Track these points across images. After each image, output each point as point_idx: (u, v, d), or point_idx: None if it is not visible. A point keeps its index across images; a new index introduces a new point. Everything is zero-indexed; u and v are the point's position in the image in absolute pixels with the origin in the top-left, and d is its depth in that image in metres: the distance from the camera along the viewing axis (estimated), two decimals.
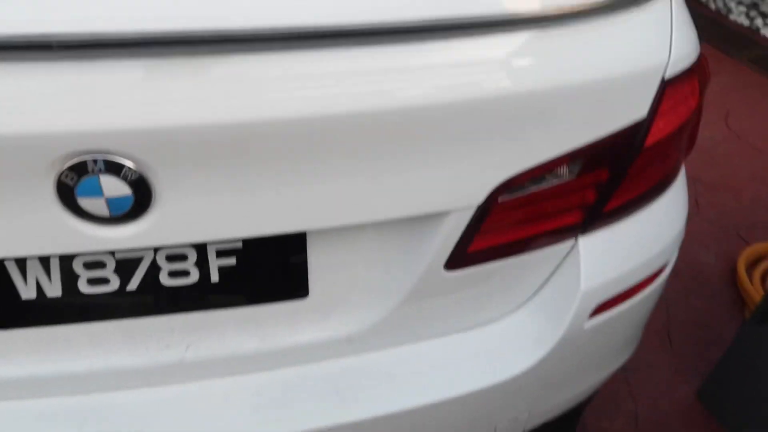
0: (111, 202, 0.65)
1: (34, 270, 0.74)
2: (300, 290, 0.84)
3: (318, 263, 0.83)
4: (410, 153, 0.72)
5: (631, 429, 1.75)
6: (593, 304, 0.94)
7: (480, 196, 0.79)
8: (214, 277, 0.80)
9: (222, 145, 0.65)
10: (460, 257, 0.85)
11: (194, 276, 0.79)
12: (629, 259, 0.97)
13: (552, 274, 0.96)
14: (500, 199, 0.81)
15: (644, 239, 0.99)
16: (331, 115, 0.66)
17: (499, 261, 0.89)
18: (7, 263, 0.72)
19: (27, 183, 0.63)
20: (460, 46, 0.70)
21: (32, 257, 0.73)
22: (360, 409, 0.88)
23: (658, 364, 1.93)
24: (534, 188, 0.83)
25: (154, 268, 0.77)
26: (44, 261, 0.74)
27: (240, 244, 0.79)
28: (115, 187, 0.64)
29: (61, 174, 0.62)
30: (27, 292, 0.75)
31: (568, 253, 0.94)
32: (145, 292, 0.78)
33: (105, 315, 0.79)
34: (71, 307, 0.77)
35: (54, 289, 0.76)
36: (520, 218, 0.85)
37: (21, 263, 0.73)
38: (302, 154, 0.69)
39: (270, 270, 0.82)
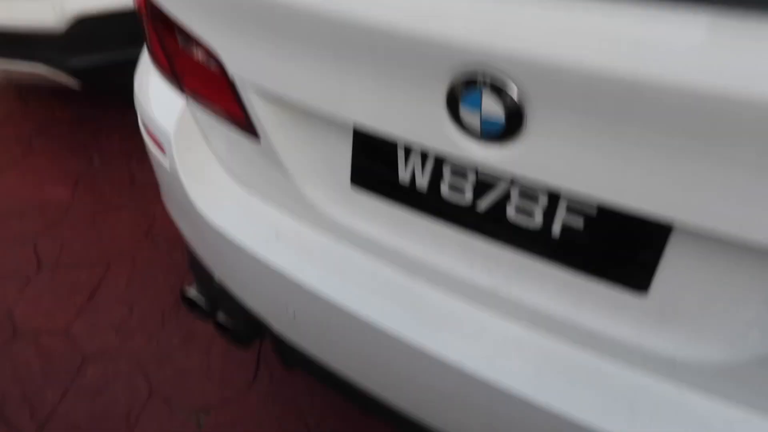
0: (485, 121, 0.67)
1: (414, 159, 0.84)
2: (639, 285, 0.74)
3: (672, 265, 0.70)
4: None
5: None
6: None
7: None
8: (555, 231, 0.76)
9: (613, 101, 0.59)
10: None
11: (537, 221, 0.77)
12: None
13: None
14: None
15: None
16: None
17: None
18: (398, 144, 0.84)
19: (428, 80, 0.70)
20: None
21: (416, 147, 0.82)
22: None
23: None
24: None
25: (504, 199, 0.78)
26: (423, 156, 0.83)
27: (594, 211, 0.72)
28: (493, 108, 0.66)
29: (454, 80, 0.67)
30: (403, 175, 0.86)
31: None
32: (490, 218, 0.81)
33: (451, 221, 0.85)
34: (428, 202, 0.86)
35: (422, 182, 0.85)
36: None
37: (407, 151, 0.84)
38: (712, 138, 0.56)
39: (615, 250, 0.74)
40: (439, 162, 0.82)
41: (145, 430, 1.69)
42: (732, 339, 0.71)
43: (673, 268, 0.71)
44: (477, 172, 0.79)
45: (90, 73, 2.39)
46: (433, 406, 0.97)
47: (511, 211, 0.79)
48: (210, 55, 0.94)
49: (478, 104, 0.66)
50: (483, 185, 0.79)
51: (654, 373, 0.78)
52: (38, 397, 1.79)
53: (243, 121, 0.98)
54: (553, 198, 0.75)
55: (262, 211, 1.09)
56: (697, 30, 0.55)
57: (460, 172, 0.80)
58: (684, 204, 0.62)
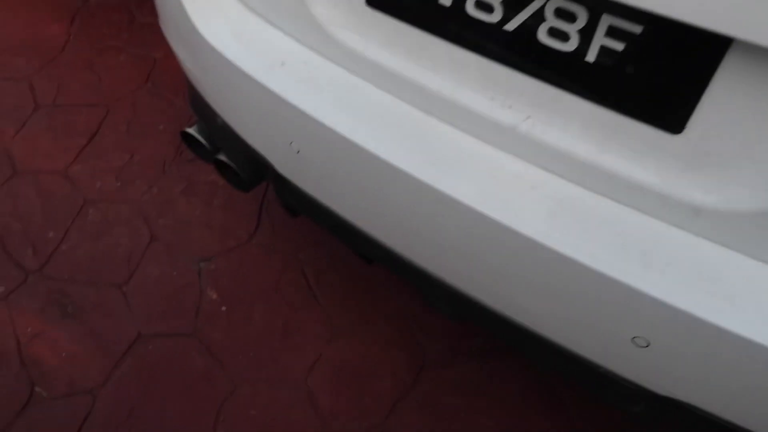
0: None
1: None
2: (674, 123, 0.67)
3: (720, 94, 0.63)
4: None
5: None
6: None
7: None
8: (591, 55, 0.68)
9: None
10: None
11: (572, 44, 0.69)
12: None
13: None
14: None
15: None
16: None
17: None
18: None
19: None
20: None
21: None
22: (662, 288, 0.72)
23: None
24: None
25: (537, 17, 0.70)
26: None
27: (639, 29, 0.64)
28: None
29: None
30: None
31: None
32: (518, 39, 0.73)
33: (474, 45, 0.77)
34: (451, 20, 0.77)
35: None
36: None
37: None
38: None
39: (655, 78, 0.66)
40: None
41: (146, 273, 1.71)
42: (765, 185, 0.66)
43: (716, 101, 0.64)
44: None
45: None
46: (441, 253, 0.94)
47: (543, 32, 0.70)
48: None
49: None
50: (515, 1, 0.70)
51: (675, 223, 0.74)
52: (40, 236, 1.80)
53: None
54: (594, 17, 0.66)
55: (268, 36, 1.00)
56: None
57: None
58: (747, 18, 0.54)
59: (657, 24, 0.62)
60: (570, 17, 0.68)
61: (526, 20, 0.71)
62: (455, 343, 1.54)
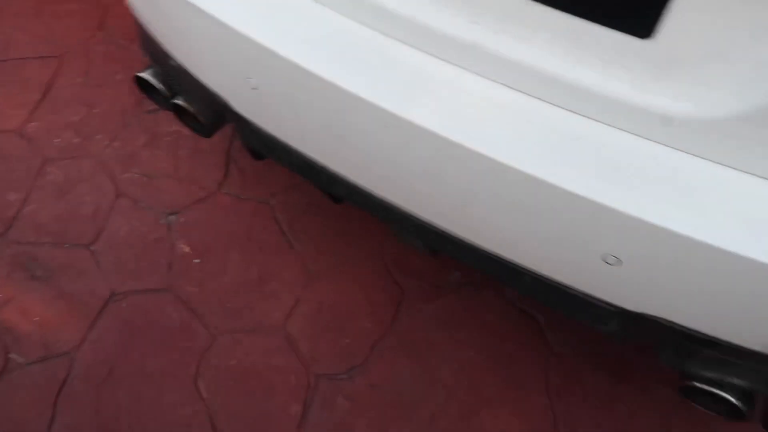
0: None
1: None
2: (643, 27, 0.64)
3: (688, 3, 0.60)
4: None
5: None
6: None
7: None
8: None
9: None
10: None
11: None
12: None
13: None
14: None
15: None
16: None
17: None
18: None
19: None
20: None
21: None
22: (633, 202, 0.70)
23: None
24: None
25: None
26: None
27: None
28: None
29: None
30: None
31: None
32: None
33: None
34: None
35: None
36: None
37: None
38: None
39: None
40: None
41: (114, 230, 1.66)
42: (738, 87, 0.63)
43: (686, 1, 0.61)
44: None
45: None
46: (408, 184, 0.91)
47: None
48: None
49: None
50: None
51: (647, 135, 0.72)
52: (0, 199, 1.73)
53: None
54: None
55: None
56: None
57: None
58: None
59: None
60: None
61: None
62: (432, 279, 1.54)
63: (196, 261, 1.60)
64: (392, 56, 0.82)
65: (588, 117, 0.74)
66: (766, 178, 0.67)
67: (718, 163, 0.68)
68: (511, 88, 0.76)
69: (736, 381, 0.85)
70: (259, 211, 1.66)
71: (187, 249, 1.62)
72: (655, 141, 0.71)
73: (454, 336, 1.46)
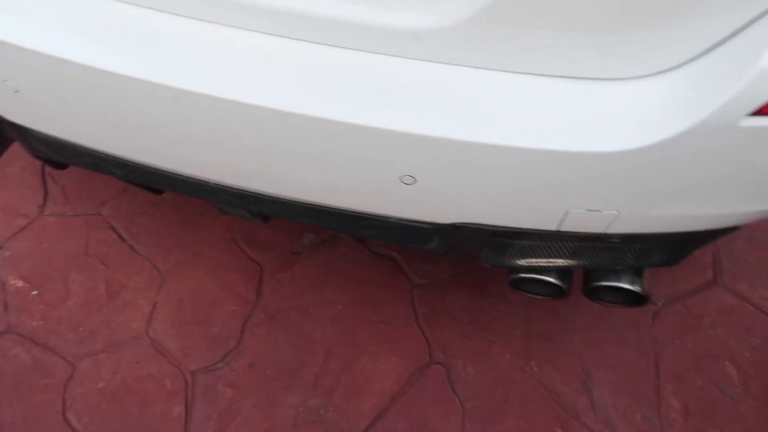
0: None
1: None
2: None
3: None
4: None
5: None
6: (765, 97, 0.63)
7: None
8: None
9: None
10: None
11: None
12: None
13: (730, 36, 0.65)
14: None
15: None
16: None
17: None
18: None
19: None
20: None
21: None
22: (407, 120, 0.73)
23: None
24: None
25: None
26: None
27: None
28: None
29: None
30: None
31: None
32: None
33: None
34: None
35: None
36: None
37: None
38: None
39: None
40: None
41: None
42: None
43: None
44: None
45: None
46: (207, 155, 0.88)
47: None
48: None
49: None
50: None
51: (404, 54, 0.74)
52: None
53: None
54: None
55: None
56: None
57: None
58: None
59: None
60: None
61: None
62: (287, 246, 1.54)
63: (34, 293, 1.48)
64: (150, 26, 0.78)
65: (350, 48, 0.75)
66: (514, 72, 0.72)
67: (474, 66, 0.73)
68: (272, 34, 0.75)
69: (550, 263, 0.93)
70: (92, 224, 1.56)
71: (20, 283, 1.49)
72: (415, 58, 0.74)
73: (319, 296, 1.47)
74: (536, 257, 0.90)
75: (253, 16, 0.74)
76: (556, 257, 0.90)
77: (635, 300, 1.02)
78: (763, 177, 0.76)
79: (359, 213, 0.92)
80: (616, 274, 1.01)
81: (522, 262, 0.91)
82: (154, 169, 0.94)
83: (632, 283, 1.00)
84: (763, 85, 0.62)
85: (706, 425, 1.33)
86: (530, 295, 1.03)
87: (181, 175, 0.94)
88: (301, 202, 0.92)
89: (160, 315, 1.45)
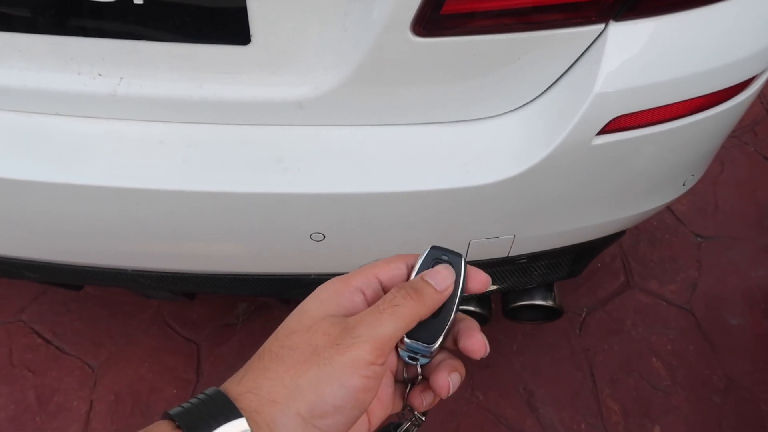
0: None
1: None
2: (239, 35, 0.72)
3: (260, 6, 0.68)
4: None
5: (683, 298, 1.56)
6: (609, 115, 0.72)
7: None
8: None
9: None
10: (432, 19, 0.66)
11: None
12: (680, 63, 0.72)
13: (567, 71, 0.75)
14: None
15: (714, 38, 0.72)
16: None
17: (491, 36, 0.69)
18: None
19: None
20: None
21: None
22: (303, 182, 0.78)
23: (745, 237, 1.65)
24: None
25: None
26: None
27: None
28: None
29: None
30: None
31: (591, 45, 0.71)
32: (64, 4, 0.70)
33: (29, 26, 0.72)
34: None
35: None
36: None
37: None
38: None
39: (202, 6, 0.69)
40: None
41: None
42: (333, 66, 0.74)
43: (261, 10, 0.69)
44: None
45: None
46: (111, 244, 0.90)
47: None
48: None
49: None
50: None
51: (291, 122, 0.80)
52: None
53: None
54: None
55: None
56: None
57: None
58: None
59: None
60: None
61: None
62: (220, 321, 1.53)
63: None
64: (38, 129, 0.81)
65: (240, 124, 0.80)
66: (392, 124, 0.80)
67: (353, 125, 0.79)
68: (163, 120, 0.80)
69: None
70: (13, 332, 1.50)
71: None
72: (301, 124, 0.80)
73: None
74: None
75: (146, 107, 0.78)
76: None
77: (551, 314, 1.09)
78: (625, 185, 0.85)
79: (280, 275, 0.95)
80: (530, 293, 1.08)
81: None
82: (68, 265, 0.94)
83: (545, 298, 1.07)
84: (602, 108, 0.71)
85: (645, 421, 1.40)
86: None
87: (96, 268, 0.94)
88: (222, 275, 0.95)
89: (98, 413, 1.40)
